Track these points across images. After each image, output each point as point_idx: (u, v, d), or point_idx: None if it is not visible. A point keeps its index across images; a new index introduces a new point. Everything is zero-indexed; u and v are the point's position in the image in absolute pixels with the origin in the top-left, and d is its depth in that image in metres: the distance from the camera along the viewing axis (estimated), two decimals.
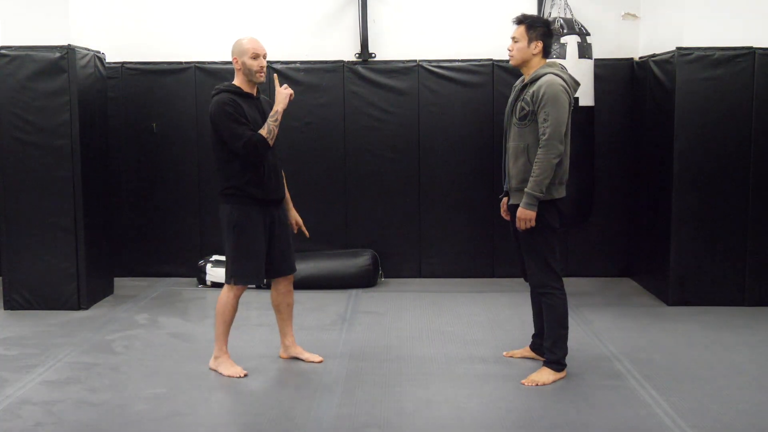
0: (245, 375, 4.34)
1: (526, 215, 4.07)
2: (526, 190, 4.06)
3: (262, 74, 4.26)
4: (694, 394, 4.06)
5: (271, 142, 4.19)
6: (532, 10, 6.40)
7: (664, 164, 5.86)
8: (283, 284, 4.54)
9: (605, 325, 5.34)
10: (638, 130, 6.47)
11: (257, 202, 4.27)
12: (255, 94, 4.34)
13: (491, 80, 6.62)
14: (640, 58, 6.43)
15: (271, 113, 4.22)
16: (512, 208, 4.26)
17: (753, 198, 5.73)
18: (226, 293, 4.37)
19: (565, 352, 4.28)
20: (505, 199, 4.49)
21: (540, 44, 4.18)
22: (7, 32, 5.70)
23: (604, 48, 6.44)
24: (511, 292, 6.24)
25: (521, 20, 4.23)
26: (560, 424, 3.70)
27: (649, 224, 6.26)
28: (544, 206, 4.11)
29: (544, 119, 4.03)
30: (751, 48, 5.63)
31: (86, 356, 4.73)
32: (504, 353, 4.70)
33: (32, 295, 5.77)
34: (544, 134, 4.03)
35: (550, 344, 4.26)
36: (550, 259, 4.18)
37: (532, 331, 4.62)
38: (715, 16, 5.65)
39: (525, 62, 4.21)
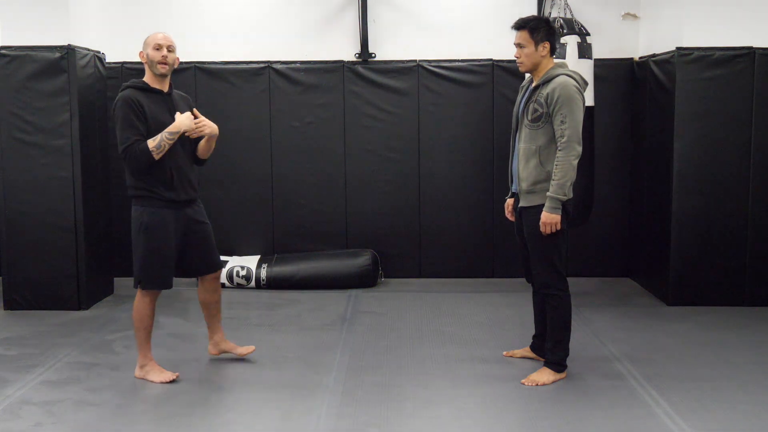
0: (176, 377, 4.27)
1: (551, 219, 4.03)
2: (548, 194, 4.02)
3: (164, 66, 4.14)
4: (694, 394, 4.06)
5: (156, 156, 4.01)
6: (532, 10, 6.40)
7: (664, 164, 5.86)
8: (209, 281, 4.47)
9: (605, 325, 5.34)
10: (638, 130, 6.47)
11: (167, 203, 4.15)
12: (166, 90, 4.22)
13: (491, 80, 6.62)
14: (640, 58, 6.43)
15: (170, 128, 4.04)
16: (522, 211, 4.22)
17: (753, 198, 5.73)
18: (139, 299, 4.25)
19: (566, 354, 4.28)
20: (510, 201, 4.48)
21: (547, 44, 4.15)
22: (7, 32, 5.69)
23: (604, 48, 6.44)
24: (511, 292, 6.24)
25: (522, 25, 4.16)
26: (560, 424, 3.70)
27: (649, 224, 6.26)
28: None
29: (562, 121, 4.00)
30: (751, 48, 5.63)
31: (86, 356, 4.73)
32: (504, 353, 4.70)
33: (32, 295, 5.77)
34: (562, 136, 4.00)
35: (551, 345, 4.25)
36: (556, 261, 4.17)
37: (533, 332, 4.61)
38: (715, 16, 5.65)
39: (535, 66, 4.17)
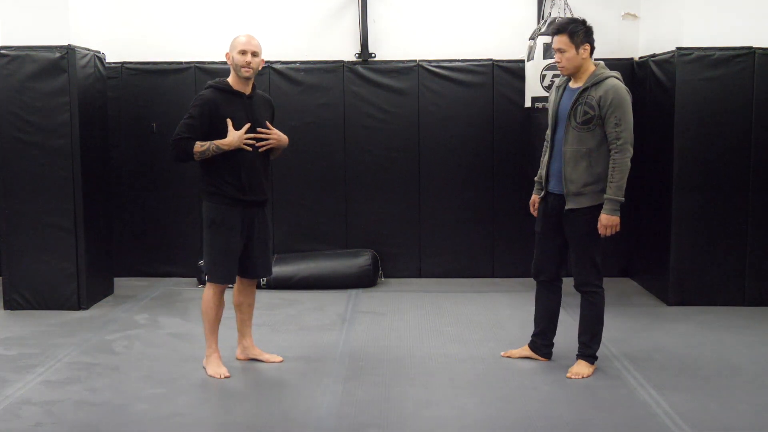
0: (227, 377, 4.31)
1: (611, 222, 4.12)
2: (607, 196, 4.11)
3: (249, 70, 4.22)
4: (694, 394, 4.06)
5: (196, 158, 4.16)
6: (531, 10, 6.41)
7: (664, 164, 5.86)
8: (247, 284, 4.53)
9: (605, 325, 5.30)
10: (638, 130, 6.44)
11: (235, 202, 4.26)
12: (247, 92, 4.30)
13: (491, 80, 6.62)
14: (640, 58, 6.43)
15: (220, 143, 4.15)
16: (569, 213, 4.23)
17: (753, 198, 5.73)
18: (206, 291, 4.37)
19: (599, 347, 4.39)
20: (536, 197, 4.48)
21: (588, 46, 4.22)
22: (7, 32, 5.69)
23: (604, 48, 6.39)
24: (511, 292, 6.24)
25: (561, 29, 4.20)
26: (560, 424, 3.70)
27: (649, 224, 6.26)
28: (597, 210, 4.16)
29: (616, 123, 4.09)
30: (751, 48, 5.63)
31: (86, 356, 4.73)
32: (502, 353, 4.69)
33: (32, 295, 5.77)
34: (618, 138, 4.10)
35: (588, 339, 4.35)
36: (598, 260, 4.26)
37: (532, 331, 4.62)
38: (715, 16, 5.65)
39: (577, 68, 4.22)
